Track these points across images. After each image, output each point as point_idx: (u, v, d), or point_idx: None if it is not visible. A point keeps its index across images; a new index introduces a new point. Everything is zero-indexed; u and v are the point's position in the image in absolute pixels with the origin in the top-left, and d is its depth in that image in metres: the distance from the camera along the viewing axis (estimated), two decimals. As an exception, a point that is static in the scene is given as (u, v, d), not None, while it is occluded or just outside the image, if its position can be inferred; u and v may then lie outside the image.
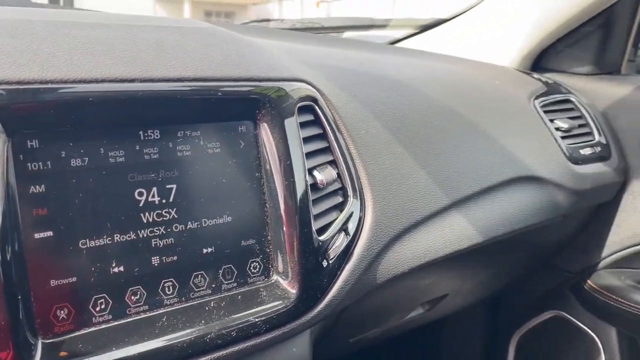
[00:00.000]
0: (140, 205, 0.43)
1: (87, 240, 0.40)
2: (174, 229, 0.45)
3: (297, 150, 0.50)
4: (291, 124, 0.50)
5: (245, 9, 15.65)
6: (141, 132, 0.43)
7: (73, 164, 0.40)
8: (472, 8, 1.03)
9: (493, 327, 1.13)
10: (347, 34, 1.17)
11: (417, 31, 1.13)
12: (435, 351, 1.17)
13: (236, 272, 0.48)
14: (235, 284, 0.48)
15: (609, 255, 0.92)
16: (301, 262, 0.49)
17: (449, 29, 1.07)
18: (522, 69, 0.96)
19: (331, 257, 0.52)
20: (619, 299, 0.88)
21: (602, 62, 0.94)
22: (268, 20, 1.05)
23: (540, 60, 0.98)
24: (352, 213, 0.54)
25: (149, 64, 0.43)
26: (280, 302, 0.49)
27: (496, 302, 1.05)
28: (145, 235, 0.43)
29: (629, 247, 0.90)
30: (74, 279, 0.40)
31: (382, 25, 1.18)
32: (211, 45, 0.50)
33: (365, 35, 1.17)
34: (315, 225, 0.50)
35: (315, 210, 0.51)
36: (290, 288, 0.50)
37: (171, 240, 0.45)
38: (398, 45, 1.14)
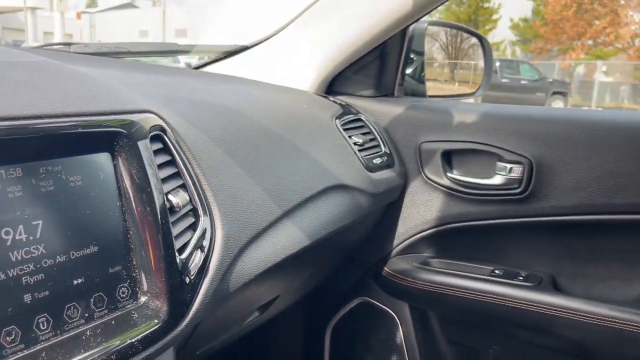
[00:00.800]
0: (8, 244, 0.43)
1: (-44, 284, 0.39)
2: (43, 264, 0.45)
3: (153, 178, 0.54)
4: (146, 154, 0.53)
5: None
6: (3, 171, 0.43)
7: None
8: (272, 37, 1.15)
9: (310, 321, 1.27)
10: (153, 59, 1.19)
11: (221, 57, 1.20)
12: (264, 349, 1.26)
13: (107, 299, 0.50)
14: (106, 311, 0.50)
15: (399, 245, 1.12)
16: (166, 281, 0.53)
17: (252, 55, 1.17)
18: (319, 93, 1.11)
19: (192, 273, 0.57)
20: (408, 279, 1.08)
21: (380, 86, 1.15)
22: (69, 43, 1.01)
23: (333, 85, 1.14)
24: (204, 231, 0.60)
25: (2, 102, 0.44)
26: (152, 320, 0.52)
27: (310, 297, 1.18)
28: (15, 274, 0.43)
29: (412, 236, 1.11)
30: None
31: (186, 51, 1.23)
32: (61, 80, 0.52)
33: (172, 60, 1.21)
34: (176, 246, 0.55)
35: (174, 231, 0.55)
36: (159, 306, 0.53)
37: (42, 276, 0.45)
38: (204, 70, 1.20)
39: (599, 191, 0.92)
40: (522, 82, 15.12)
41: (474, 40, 1.59)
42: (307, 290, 1.09)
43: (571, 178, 0.94)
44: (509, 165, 0.97)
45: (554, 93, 15.54)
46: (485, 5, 22.57)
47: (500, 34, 22.93)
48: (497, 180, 0.99)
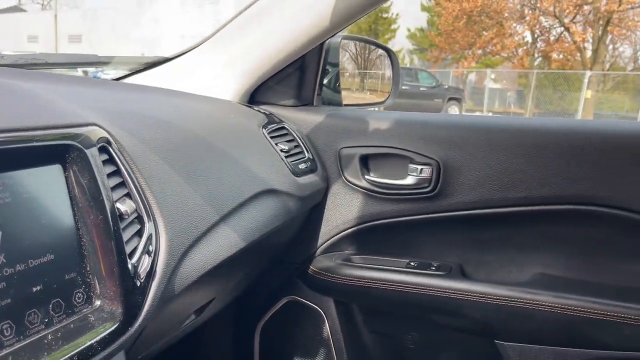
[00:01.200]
0: (-30, 255, 0.45)
1: None
2: (4, 273, 0.47)
3: (104, 187, 0.57)
4: (96, 165, 0.56)
5: None
6: (-38, 186, 0.45)
7: None
8: (194, 48, 1.18)
9: (239, 323, 1.30)
10: (70, 70, 1.18)
11: (141, 68, 1.21)
12: (195, 353, 1.28)
13: (64, 304, 0.52)
14: (64, 315, 0.52)
15: (322, 244, 1.19)
16: (119, 285, 0.56)
17: (173, 67, 1.19)
18: (243, 103, 1.16)
19: (141, 277, 0.60)
20: (333, 276, 1.15)
21: (300, 96, 1.22)
22: (-18, 55, 0.99)
23: (255, 95, 1.19)
24: (150, 236, 0.63)
25: None
26: (108, 322, 0.55)
27: (240, 300, 1.22)
28: (-22, 284, 0.45)
29: (335, 235, 1.18)
30: None
31: (106, 62, 1.23)
32: (10, 97, 0.53)
33: (91, 71, 1.20)
34: (126, 251, 0.58)
35: (124, 238, 0.58)
36: (113, 309, 0.56)
37: (3, 285, 0.47)
38: (126, 81, 1.20)
39: (495, 187, 1.05)
40: (421, 89, 15.95)
41: (381, 51, 1.71)
42: (238, 293, 1.13)
43: (473, 176, 1.06)
44: (419, 167, 1.08)
45: (450, 99, 16.55)
46: (384, 15, 23.55)
47: (399, 43, 23.96)
48: (409, 180, 1.09)
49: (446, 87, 17.31)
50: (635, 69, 20.59)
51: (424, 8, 23.99)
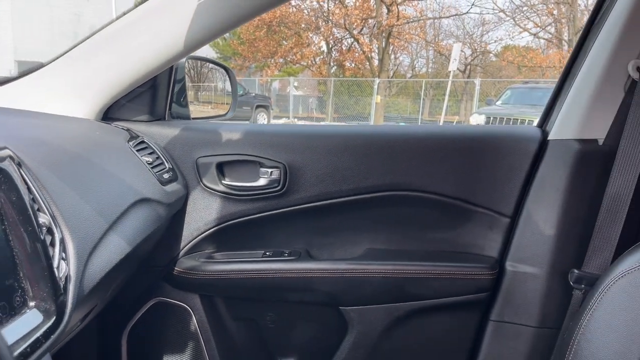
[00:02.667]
0: None
1: None
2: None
3: (28, 203, 0.64)
4: (20, 183, 0.64)
5: None
6: None
7: None
8: (41, 68, 1.19)
9: (105, 329, 1.34)
10: None
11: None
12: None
13: (7, 307, 0.59)
14: (9, 316, 0.59)
15: (185, 246, 1.30)
16: (50, 288, 0.64)
17: (21, 86, 1.19)
18: (100, 120, 1.21)
19: (62, 280, 0.68)
20: (197, 273, 1.27)
21: (153, 112, 1.31)
22: None
23: (108, 112, 1.25)
24: (62, 243, 0.71)
25: None
26: (45, 319, 0.63)
27: (106, 306, 1.27)
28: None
29: (197, 237, 1.30)
30: None
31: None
32: None
33: None
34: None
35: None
36: (47, 308, 0.64)
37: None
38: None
39: (331, 182, 1.29)
40: (230, 97, 16.11)
41: (212, 65, 1.86)
42: (110, 299, 1.19)
43: (313, 175, 1.28)
44: (269, 170, 1.26)
45: (258, 107, 17.05)
46: (186, 23, 23.24)
47: (202, 51, 23.87)
48: (261, 182, 1.27)
49: (253, 95, 17.79)
50: (413, 76, 23.55)
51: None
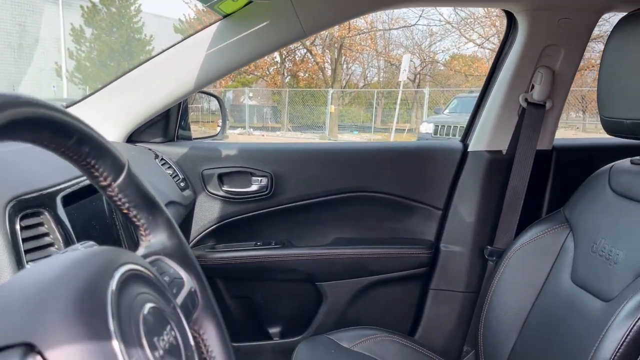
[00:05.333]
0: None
1: None
2: None
3: None
4: None
5: None
6: None
7: None
8: (77, 104, 1.53)
9: None
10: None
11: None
12: None
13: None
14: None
15: (194, 239, 1.66)
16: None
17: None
18: (127, 143, 1.56)
19: None
20: (203, 260, 1.63)
21: (167, 134, 1.66)
22: None
23: (131, 136, 1.60)
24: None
25: None
26: None
27: None
28: None
29: (202, 232, 1.66)
30: None
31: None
32: None
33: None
34: None
35: None
36: None
37: None
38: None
39: (307, 187, 1.67)
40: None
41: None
42: None
43: (293, 181, 1.66)
44: (259, 178, 1.64)
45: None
46: (137, 36, 23.25)
47: (156, 63, 23.74)
48: (253, 187, 1.65)
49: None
50: (365, 86, 24.27)
51: (177, 30, 24.39)
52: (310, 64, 22.48)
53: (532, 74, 1.56)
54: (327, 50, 21.87)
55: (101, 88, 1.53)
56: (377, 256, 1.68)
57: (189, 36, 1.46)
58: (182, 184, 1.53)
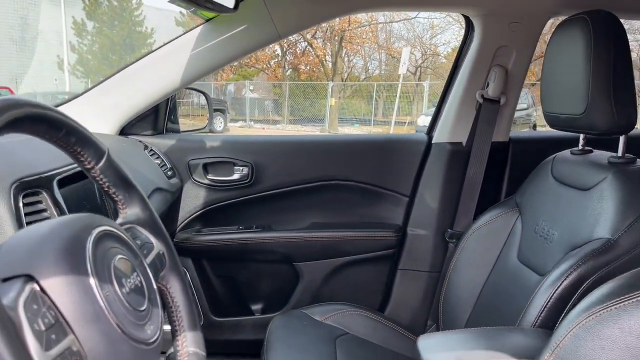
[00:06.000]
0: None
1: None
2: None
3: None
4: None
5: None
6: None
7: None
8: (74, 99, 1.68)
9: None
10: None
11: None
12: None
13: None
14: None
15: (181, 224, 1.82)
16: None
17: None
18: (119, 135, 1.71)
19: None
20: (190, 243, 1.79)
21: (156, 127, 1.82)
22: None
23: (123, 129, 1.75)
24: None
25: None
26: None
27: None
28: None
29: (189, 217, 1.83)
30: None
31: None
32: None
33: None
34: None
35: None
36: None
37: None
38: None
39: (285, 175, 1.83)
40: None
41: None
42: None
43: (272, 170, 1.82)
44: (241, 168, 1.80)
45: (215, 110, 17.38)
46: (139, 29, 23.35)
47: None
48: (236, 176, 1.81)
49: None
50: (366, 79, 24.35)
51: (178, 23, 24.48)
52: (311, 57, 22.55)
53: (487, 73, 1.71)
54: (327, 43, 21.95)
55: (95, 86, 1.68)
56: (349, 239, 1.83)
57: (175, 39, 1.62)
58: (169, 173, 1.69)
